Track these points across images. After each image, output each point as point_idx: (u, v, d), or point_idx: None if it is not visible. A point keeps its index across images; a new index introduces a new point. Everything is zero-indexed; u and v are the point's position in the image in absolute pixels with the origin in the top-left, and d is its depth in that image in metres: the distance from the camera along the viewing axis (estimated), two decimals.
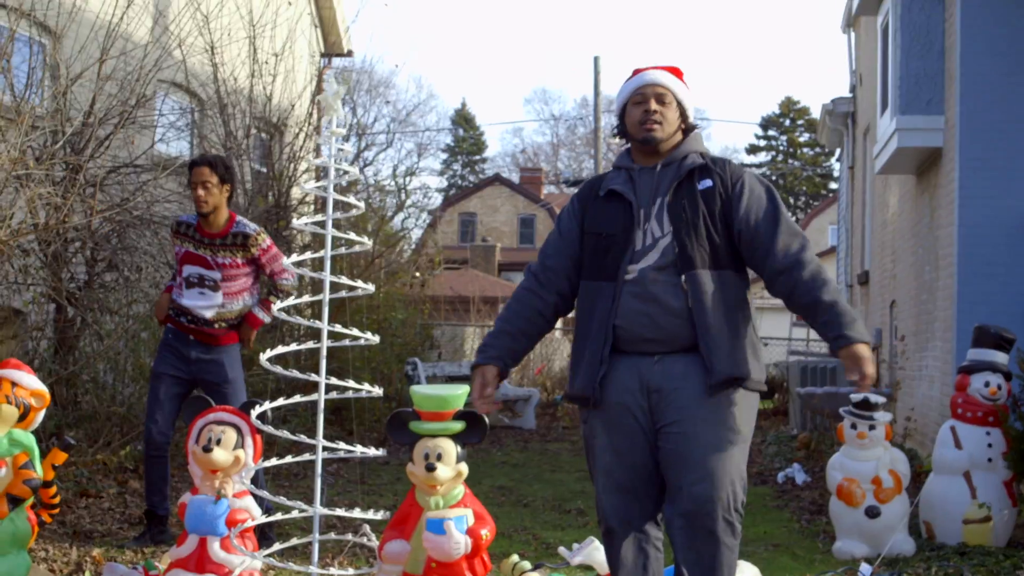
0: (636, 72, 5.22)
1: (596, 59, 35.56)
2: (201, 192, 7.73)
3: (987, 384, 8.30)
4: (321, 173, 14.28)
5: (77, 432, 10.04)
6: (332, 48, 19.79)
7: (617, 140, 5.29)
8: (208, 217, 7.80)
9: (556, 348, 26.70)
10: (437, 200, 59.97)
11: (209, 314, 7.79)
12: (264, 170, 14.42)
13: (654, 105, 5.03)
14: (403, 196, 19.00)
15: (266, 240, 7.89)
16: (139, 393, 10.81)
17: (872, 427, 7.88)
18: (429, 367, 17.22)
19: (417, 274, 19.01)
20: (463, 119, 77.01)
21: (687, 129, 5.14)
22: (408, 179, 19.44)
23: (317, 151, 14.89)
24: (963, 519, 8.08)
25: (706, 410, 4.79)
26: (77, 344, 10.59)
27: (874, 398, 7.91)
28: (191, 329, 7.85)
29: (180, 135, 13.84)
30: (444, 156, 75.67)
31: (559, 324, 45.59)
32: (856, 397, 7.95)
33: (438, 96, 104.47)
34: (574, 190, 53.31)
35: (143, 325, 11.11)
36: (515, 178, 67.50)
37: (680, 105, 5.11)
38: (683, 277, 4.83)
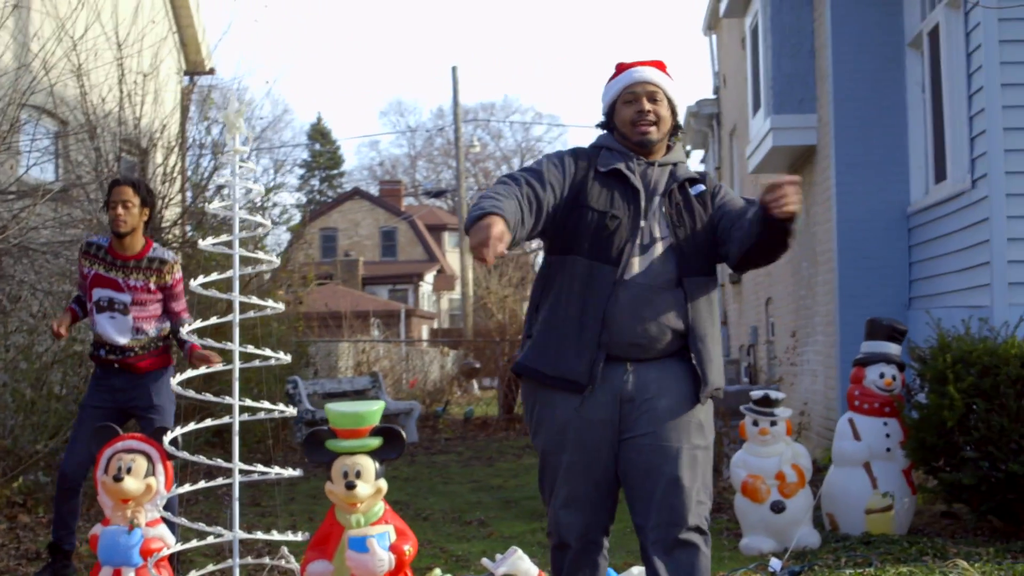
0: (621, 67, 5.01)
1: (454, 69, 35.69)
2: (121, 211, 7.43)
3: (882, 375, 8.46)
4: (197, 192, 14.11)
5: None
6: (195, 67, 19.53)
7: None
8: (123, 239, 7.53)
9: (431, 360, 26.69)
10: (297, 216, 59.51)
11: (123, 340, 7.53)
12: (146, 186, 14.14)
13: (647, 105, 4.85)
14: (266, 214, 18.73)
15: (179, 271, 7.68)
16: (23, 424, 10.55)
17: (773, 423, 7.97)
18: (309, 385, 17.07)
19: (281, 292, 18.81)
20: (319, 134, 76.55)
21: (675, 127, 4.96)
22: (269, 197, 19.19)
23: (184, 174, 14.68)
24: (865, 509, 8.22)
25: (679, 420, 4.70)
26: None
27: (774, 395, 8.01)
28: (113, 360, 7.61)
29: (45, 159, 13.53)
30: (301, 172, 75.16)
31: (426, 335, 45.47)
32: (757, 394, 8.04)
33: (292, 111, 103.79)
34: (435, 201, 52.90)
35: (23, 356, 10.84)
36: (374, 191, 67.36)
37: (671, 102, 4.93)
38: (683, 286, 4.70)
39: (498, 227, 4.27)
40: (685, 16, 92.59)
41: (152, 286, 7.53)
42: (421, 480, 12.91)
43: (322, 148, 76.09)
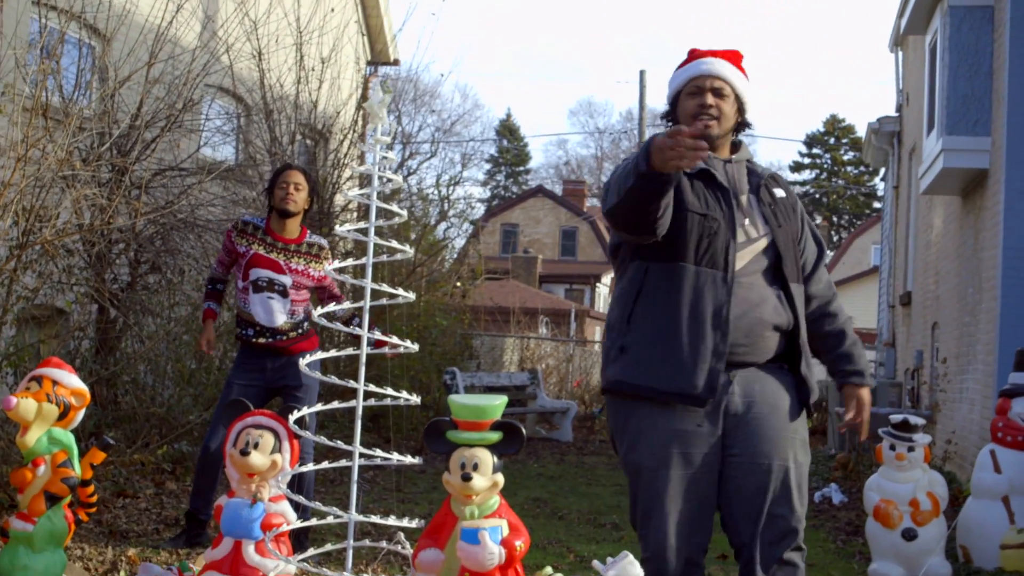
0: (693, 55, 4.79)
1: (642, 73, 35.50)
2: (292, 191, 7.66)
3: None
4: (365, 180, 14.33)
5: (116, 432, 10.08)
6: (378, 56, 19.85)
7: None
8: (286, 221, 7.73)
9: (595, 361, 26.67)
10: (480, 210, 60.02)
11: (278, 322, 7.73)
12: (314, 177, 14.46)
13: (710, 99, 4.63)
14: (445, 205, 18.96)
15: (330, 258, 7.88)
16: (179, 395, 10.88)
17: (911, 449, 7.81)
18: (467, 377, 17.22)
19: (459, 284, 19.03)
20: (507, 130, 77.09)
21: (741, 126, 4.78)
22: (451, 189, 19.47)
23: (361, 158, 14.94)
24: (1001, 544, 8.00)
25: (785, 438, 4.56)
26: (118, 345, 10.64)
27: (913, 419, 7.85)
28: (264, 346, 7.77)
29: (225, 139, 13.90)
30: (488, 166, 75.74)
31: (599, 336, 45.52)
32: (896, 418, 7.89)
33: (483, 106, 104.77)
34: None
35: (185, 328, 11.16)
36: (558, 190, 67.57)
37: (739, 98, 4.71)
38: (783, 290, 4.62)
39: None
40: (874, 31, 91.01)
41: (312, 272, 7.71)
42: (566, 479, 12.95)
43: (510, 144, 76.58)
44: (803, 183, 71.21)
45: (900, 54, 20.10)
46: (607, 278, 59.40)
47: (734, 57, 4.76)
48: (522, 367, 23.41)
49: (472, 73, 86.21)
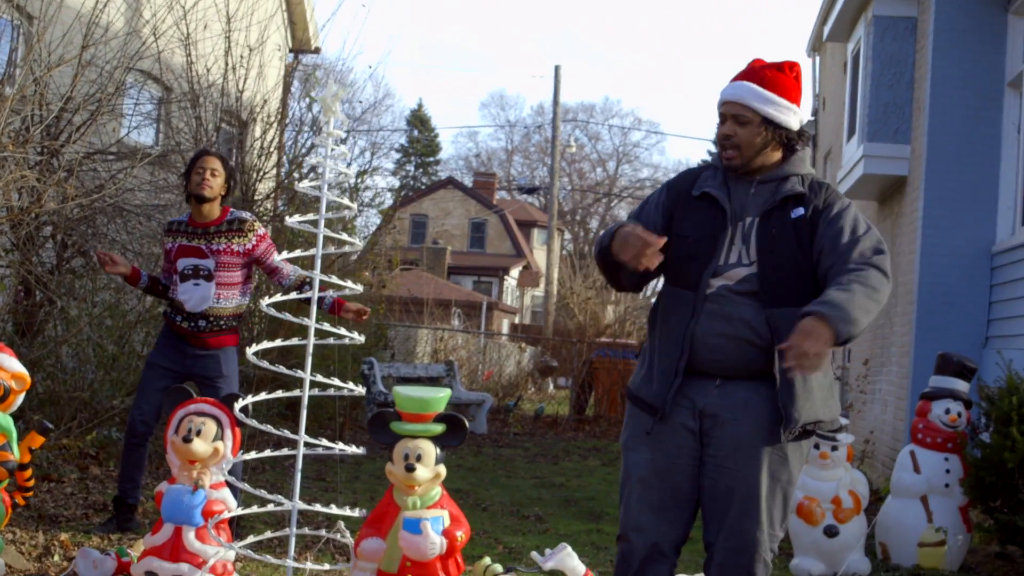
0: (735, 77, 4.74)
1: (557, 68, 35.67)
2: (208, 176, 7.66)
3: (948, 411, 8.46)
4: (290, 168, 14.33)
5: (39, 416, 10.00)
6: (301, 45, 19.79)
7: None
8: (203, 207, 7.72)
9: (507, 354, 26.80)
10: (389, 200, 59.86)
11: (203, 306, 7.70)
12: (231, 164, 14.38)
13: (729, 127, 4.62)
14: (357, 196, 18.85)
15: (261, 228, 7.81)
16: (102, 379, 10.82)
17: (835, 448, 8.01)
18: (384, 367, 17.25)
19: (367, 273, 18.99)
20: (418, 120, 76.87)
21: (788, 145, 4.68)
22: (363, 179, 19.37)
23: (281, 149, 14.90)
24: (918, 542, 8.23)
25: (762, 449, 4.53)
26: (44, 328, 10.57)
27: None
28: (186, 331, 7.77)
29: (150, 122, 13.79)
30: (397, 156, 75.54)
31: (506, 329, 45.58)
32: None
33: (395, 95, 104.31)
34: (527, 197, 52.83)
35: (109, 312, 11.11)
36: (468, 182, 67.61)
37: (768, 120, 4.60)
38: (766, 313, 4.51)
39: (639, 227, 4.46)
40: (792, 34, 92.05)
41: (235, 247, 7.67)
42: (485, 471, 13.06)
43: (420, 135, 76.42)
44: None
45: (818, 59, 20.40)
46: (515, 271, 59.62)
47: (755, 73, 4.68)
48: (435, 358, 23.47)
49: (385, 62, 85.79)
